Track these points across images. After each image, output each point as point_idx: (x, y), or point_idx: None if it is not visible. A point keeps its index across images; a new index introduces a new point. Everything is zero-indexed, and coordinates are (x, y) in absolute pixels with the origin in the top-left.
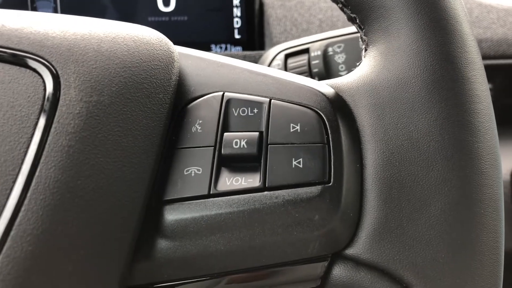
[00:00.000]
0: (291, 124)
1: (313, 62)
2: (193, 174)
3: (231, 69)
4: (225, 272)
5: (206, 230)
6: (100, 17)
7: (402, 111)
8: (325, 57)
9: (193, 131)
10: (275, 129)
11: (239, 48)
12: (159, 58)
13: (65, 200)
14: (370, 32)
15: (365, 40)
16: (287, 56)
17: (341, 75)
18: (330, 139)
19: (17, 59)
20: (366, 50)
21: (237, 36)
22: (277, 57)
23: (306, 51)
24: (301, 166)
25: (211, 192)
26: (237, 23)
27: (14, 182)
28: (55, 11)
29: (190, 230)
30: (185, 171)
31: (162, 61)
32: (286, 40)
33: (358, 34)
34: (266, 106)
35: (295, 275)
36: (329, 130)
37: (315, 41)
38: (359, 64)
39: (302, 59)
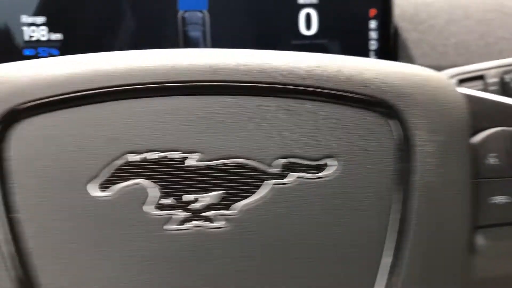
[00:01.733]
0: None
1: (490, 88)
2: (500, 203)
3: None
4: None
5: None
6: (245, 42)
7: None
8: (503, 84)
9: (488, 163)
10: None
11: None
12: (455, 100)
13: None
14: None
15: None
16: (461, 82)
17: None
18: None
19: (366, 105)
20: None
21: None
22: None
23: (480, 77)
24: None
25: None
26: (373, 45)
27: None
28: (204, 34)
29: (503, 253)
30: (491, 200)
31: (459, 101)
32: (427, 63)
33: None
34: None
35: None
36: None
37: (489, 68)
38: None
39: (477, 84)
